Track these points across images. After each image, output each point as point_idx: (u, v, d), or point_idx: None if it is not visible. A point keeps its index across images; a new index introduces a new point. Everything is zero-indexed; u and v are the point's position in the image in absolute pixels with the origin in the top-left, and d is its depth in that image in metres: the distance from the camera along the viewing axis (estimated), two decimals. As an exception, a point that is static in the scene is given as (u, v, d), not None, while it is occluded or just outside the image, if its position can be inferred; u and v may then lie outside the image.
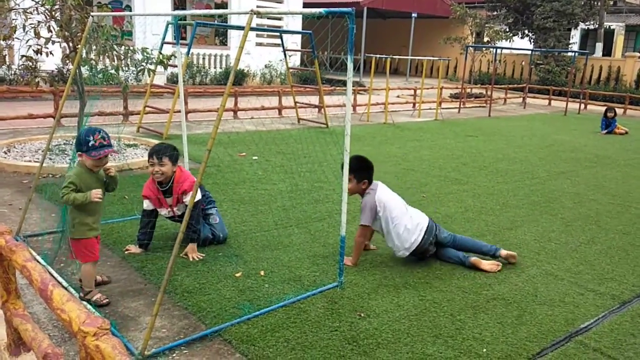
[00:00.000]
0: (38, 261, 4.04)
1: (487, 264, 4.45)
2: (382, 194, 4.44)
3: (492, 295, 4.04)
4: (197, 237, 4.40)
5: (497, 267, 4.46)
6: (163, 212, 4.48)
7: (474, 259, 4.48)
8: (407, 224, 4.40)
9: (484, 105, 18.42)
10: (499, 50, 20.28)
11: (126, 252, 4.40)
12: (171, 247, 3.91)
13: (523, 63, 25.78)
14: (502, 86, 21.29)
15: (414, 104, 16.67)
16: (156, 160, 4.26)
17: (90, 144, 3.48)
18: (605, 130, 13.31)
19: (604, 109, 14.19)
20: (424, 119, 14.48)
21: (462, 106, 17.41)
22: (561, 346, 3.41)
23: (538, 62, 24.38)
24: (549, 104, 20.77)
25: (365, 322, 3.55)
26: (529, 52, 21.86)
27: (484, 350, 3.31)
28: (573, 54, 20.53)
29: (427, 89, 16.86)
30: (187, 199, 4.32)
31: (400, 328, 3.50)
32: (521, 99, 20.30)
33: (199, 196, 4.35)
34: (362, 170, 4.42)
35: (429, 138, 11.39)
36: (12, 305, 2.90)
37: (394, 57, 15.20)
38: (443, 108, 16.55)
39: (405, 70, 28.59)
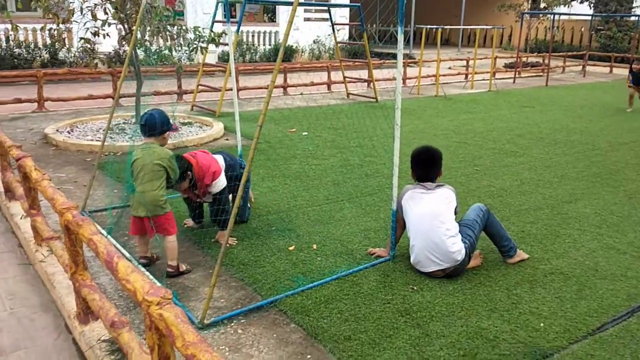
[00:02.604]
0: (103, 235, 4.26)
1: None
2: (410, 198, 3.88)
3: (550, 270, 3.94)
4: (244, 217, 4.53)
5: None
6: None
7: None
8: (417, 252, 3.80)
9: (541, 74, 17.72)
10: (556, 17, 19.32)
11: (185, 226, 4.55)
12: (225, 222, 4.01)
13: (582, 29, 24.48)
14: (560, 54, 20.33)
15: (467, 75, 16.21)
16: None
17: (171, 121, 3.80)
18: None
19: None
20: (477, 91, 14.07)
21: (517, 76, 16.79)
22: (623, 321, 3.30)
23: (599, 27, 23.09)
24: (611, 71, 19.71)
25: (418, 295, 3.55)
26: (589, 18, 20.73)
27: (542, 324, 3.25)
28: (636, 18, 19.29)
29: (480, 59, 16.31)
30: (212, 189, 4.20)
31: (454, 301, 3.48)
32: (580, 67, 19.36)
33: (224, 183, 4.21)
34: (412, 162, 3.98)
35: (483, 110, 11.07)
36: (80, 276, 3.07)
37: (445, 27, 14.77)
38: (497, 78, 16.01)
39: (457, 41, 27.73)
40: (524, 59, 19.38)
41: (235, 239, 4.33)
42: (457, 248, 3.70)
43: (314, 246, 4.25)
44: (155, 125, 3.70)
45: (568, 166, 6.75)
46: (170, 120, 3.87)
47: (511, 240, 4.04)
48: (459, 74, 16.55)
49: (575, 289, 3.68)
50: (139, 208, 3.67)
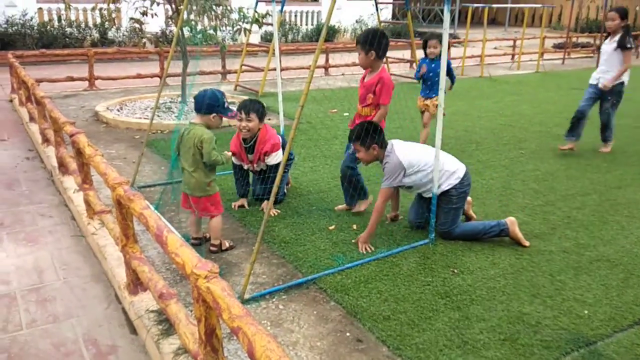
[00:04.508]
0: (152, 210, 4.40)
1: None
2: (403, 152, 3.97)
3: (596, 257, 3.86)
4: (278, 196, 4.52)
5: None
6: (244, 166, 4.58)
7: (510, 220, 4.05)
8: (443, 168, 3.98)
9: (592, 55, 17.02)
10: (612, -6, 18.47)
11: (235, 207, 4.57)
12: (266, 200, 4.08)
13: (637, 8, 23.28)
14: (614, 34, 19.42)
15: (513, 56, 15.74)
16: (244, 115, 4.30)
17: (225, 105, 3.71)
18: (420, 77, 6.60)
19: None
20: (524, 72, 13.66)
21: (566, 57, 16.20)
22: (672, 312, 3.21)
23: (658, 5, 21.93)
24: (669, 52, 18.73)
25: (458, 278, 3.54)
26: (648, -5, 19.71)
27: (586, 312, 3.19)
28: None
29: (528, 39, 15.77)
30: (269, 160, 4.39)
31: (495, 286, 3.45)
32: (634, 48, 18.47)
33: (280, 159, 4.28)
34: (365, 137, 3.95)
35: (529, 92, 10.76)
36: (130, 249, 3.19)
37: (493, 6, 14.35)
38: (545, 59, 15.48)
39: (504, 20, 26.91)
40: (574, 39, 18.64)
41: (277, 211, 4.47)
42: None
43: (354, 226, 4.28)
44: (201, 103, 3.66)
45: (618, 151, 6.51)
46: (228, 105, 3.75)
47: None
48: (505, 54, 16.08)
49: (622, 277, 3.59)
50: (185, 186, 3.77)
